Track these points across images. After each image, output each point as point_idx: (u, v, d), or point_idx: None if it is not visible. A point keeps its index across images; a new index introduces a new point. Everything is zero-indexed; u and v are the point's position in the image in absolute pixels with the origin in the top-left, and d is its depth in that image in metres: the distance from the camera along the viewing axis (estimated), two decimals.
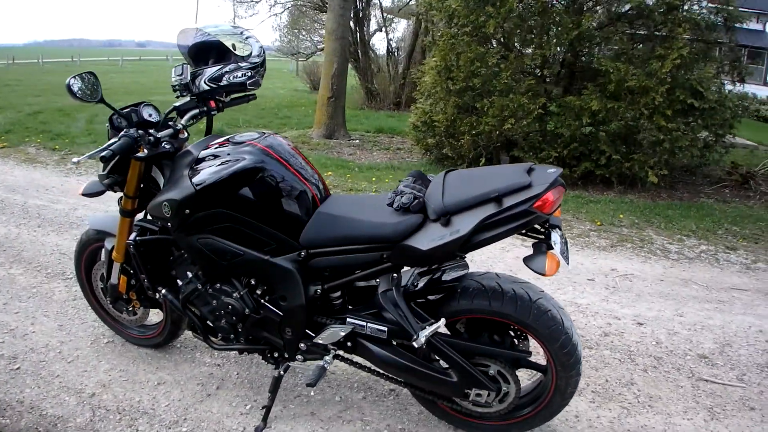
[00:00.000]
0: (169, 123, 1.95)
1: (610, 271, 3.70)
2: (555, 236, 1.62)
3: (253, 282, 1.86)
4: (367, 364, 1.92)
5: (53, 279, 3.17)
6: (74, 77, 1.78)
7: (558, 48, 5.87)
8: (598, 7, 5.85)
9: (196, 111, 1.96)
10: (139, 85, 16.94)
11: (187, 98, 1.96)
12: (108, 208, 4.45)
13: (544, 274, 1.53)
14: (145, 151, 1.83)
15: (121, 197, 2.08)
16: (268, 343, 1.95)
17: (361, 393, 2.23)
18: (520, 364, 1.85)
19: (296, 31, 17.72)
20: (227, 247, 1.78)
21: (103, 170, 1.96)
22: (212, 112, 2.00)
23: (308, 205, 1.77)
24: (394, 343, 1.79)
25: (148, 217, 2.10)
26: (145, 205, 2.07)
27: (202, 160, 1.80)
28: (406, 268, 1.83)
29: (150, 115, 2.00)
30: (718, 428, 2.14)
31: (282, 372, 1.97)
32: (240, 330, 1.92)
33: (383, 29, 15.03)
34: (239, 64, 1.92)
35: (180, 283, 1.96)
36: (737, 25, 5.79)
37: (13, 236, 3.79)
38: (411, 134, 7.28)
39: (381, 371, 1.91)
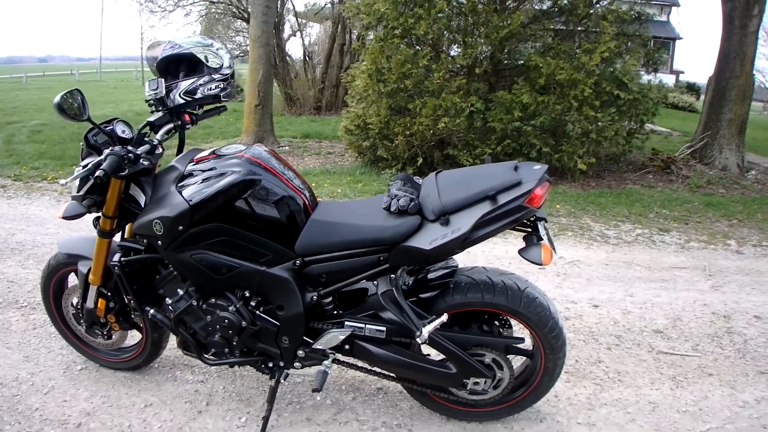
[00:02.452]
0: (145, 139, 1.90)
1: (557, 258, 3.93)
2: (541, 228, 1.74)
3: (247, 294, 1.84)
4: (358, 364, 1.97)
5: (6, 309, 2.94)
6: (63, 95, 1.69)
7: (487, 47, 6.10)
8: (523, 6, 6.13)
9: (171, 126, 1.92)
10: (48, 102, 15.73)
11: (160, 113, 1.92)
12: (33, 230, 4.19)
13: (540, 264, 1.65)
14: (126, 169, 1.77)
15: (98, 218, 2.00)
16: (263, 353, 1.93)
17: (350, 394, 2.26)
18: (509, 351, 1.95)
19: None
20: (222, 261, 1.75)
21: (79, 191, 1.86)
22: (186, 126, 1.97)
23: (301, 213, 1.78)
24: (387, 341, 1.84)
25: (125, 237, 2.04)
26: (122, 225, 2.00)
27: (189, 175, 1.77)
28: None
29: (123, 132, 1.93)
30: (683, 395, 2.35)
31: (282, 380, 1.97)
32: (235, 343, 1.89)
33: (298, 34, 14.95)
34: (212, 76, 1.90)
35: (169, 301, 1.91)
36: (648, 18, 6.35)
37: None
38: (344, 138, 7.32)
39: (379, 370, 1.96)
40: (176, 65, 1.91)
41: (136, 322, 2.24)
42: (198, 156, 1.86)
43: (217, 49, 1.94)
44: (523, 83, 5.92)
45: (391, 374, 1.98)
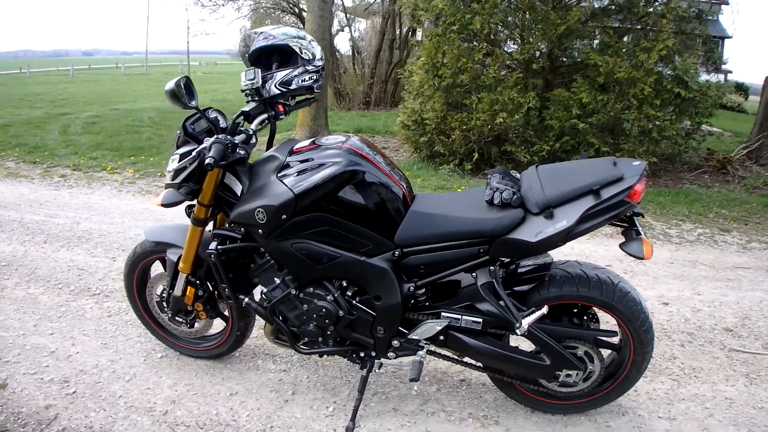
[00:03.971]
0: (240, 129, 1.93)
1: (623, 256, 3.86)
2: (638, 223, 1.73)
3: (344, 284, 1.88)
4: (448, 354, 1.99)
5: (79, 296, 3.06)
6: (176, 81, 1.73)
7: (544, 43, 6.05)
8: (581, 3, 6.05)
9: (265, 116, 1.94)
10: (97, 94, 16.30)
11: (254, 103, 1.94)
12: (55, 215, 4.32)
13: (642, 258, 1.64)
14: (228, 157, 1.81)
15: (190, 206, 2.05)
16: (355, 343, 1.97)
17: (434, 386, 2.28)
18: (598, 344, 1.94)
19: None
20: (323, 251, 1.79)
21: (174, 179, 1.92)
22: (279, 117, 1.99)
23: (401, 204, 1.81)
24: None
25: (217, 225, 2.09)
26: (214, 213, 2.05)
27: (291, 164, 1.80)
28: None
29: (217, 120, 1.98)
30: (758, 392, 2.33)
31: (377, 369, 2.00)
32: (329, 333, 1.93)
33: (346, 29, 15.02)
34: (306, 67, 1.92)
35: (264, 289, 1.95)
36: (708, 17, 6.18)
37: (21, 254, 3.62)
38: (401, 133, 7.35)
39: (469, 361, 1.97)
40: (268, 56, 1.93)
41: (222, 310, 2.30)
42: (297, 146, 1.89)
43: (310, 41, 1.96)
44: (581, 81, 5.85)
45: (483, 365, 1.99)
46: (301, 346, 2.03)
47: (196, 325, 2.35)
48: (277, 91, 1.91)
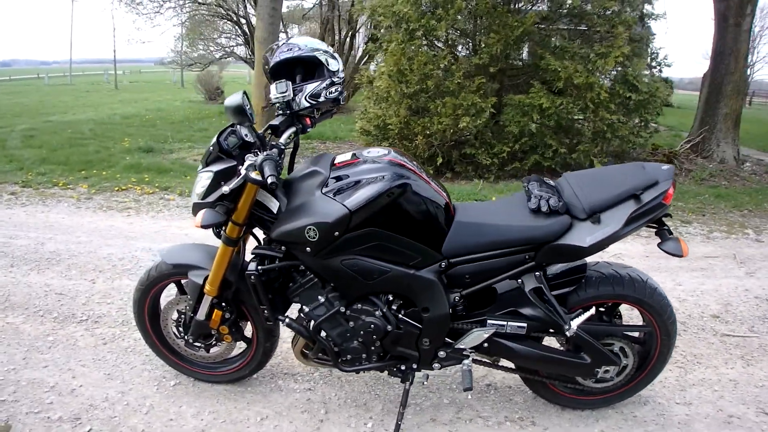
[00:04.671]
0: (272, 143, 1.87)
1: (607, 252, 4.06)
2: (668, 223, 1.84)
3: (391, 298, 1.86)
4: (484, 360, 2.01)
5: (66, 324, 2.84)
6: (239, 97, 1.69)
7: (501, 47, 6.22)
8: (538, 7, 6.27)
9: (293, 129, 1.88)
10: (23, 107, 15.13)
11: (283, 116, 1.89)
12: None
13: (681, 255, 1.74)
14: None
15: (218, 226, 1.96)
16: (398, 357, 1.95)
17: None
18: (629, 339, 2.03)
19: (195, 40, 16.76)
20: (374, 266, 1.76)
21: (205, 197, 1.82)
22: (306, 130, 1.95)
23: (446, 215, 1.81)
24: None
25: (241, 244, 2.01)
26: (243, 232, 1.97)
27: (336, 179, 1.76)
28: None
29: (246, 136, 1.90)
30: (756, 371, 2.53)
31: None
32: (373, 348, 1.90)
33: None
34: (332, 79, 1.89)
35: (307, 308, 1.89)
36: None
37: None
38: (362, 139, 7.34)
39: (508, 365, 2.01)
40: (289, 68, 1.88)
41: (244, 332, 2.21)
42: (338, 160, 1.84)
43: (333, 53, 1.93)
44: (539, 87, 6.06)
45: (519, 368, 2.02)
46: (345, 364, 1.98)
47: (215, 349, 2.25)
48: (307, 104, 1.86)
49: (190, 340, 2.18)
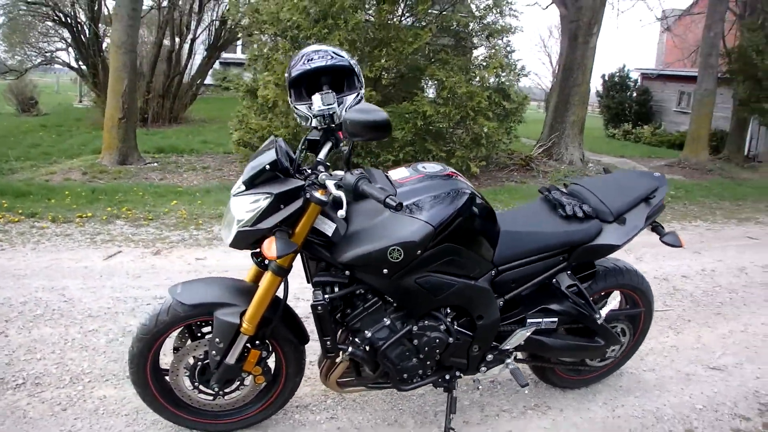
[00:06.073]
0: (317, 161, 1.75)
1: None
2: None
3: (449, 310, 1.88)
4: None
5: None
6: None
7: (394, 62, 6.51)
8: (431, 25, 6.66)
9: (330, 144, 1.79)
10: None
11: (319, 131, 1.80)
12: None
13: (681, 246, 2.09)
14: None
15: (255, 254, 1.79)
16: (447, 367, 1.98)
17: (474, 393, 2.39)
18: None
19: (14, 45, 14.16)
20: (444, 281, 1.77)
21: (257, 223, 1.64)
22: (339, 144, 1.85)
23: (497, 225, 1.90)
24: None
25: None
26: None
27: (406, 197, 1.70)
28: None
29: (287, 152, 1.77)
30: (686, 337, 3.05)
31: (479, 386, 2.04)
32: (428, 363, 1.89)
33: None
34: (360, 91, 1.85)
35: (369, 333, 1.79)
36: None
37: None
38: (241, 152, 7.04)
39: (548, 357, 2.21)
40: (314, 79, 1.79)
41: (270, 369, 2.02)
42: (398, 177, 1.79)
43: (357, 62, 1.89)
44: (421, 95, 6.43)
45: (531, 357, 2.23)
46: (401, 384, 1.93)
47: (237, 393, 2.02)
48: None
49: (216, 388, 1.92)
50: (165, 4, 11.70)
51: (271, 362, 2.02)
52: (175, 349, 1.96)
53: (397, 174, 1.82)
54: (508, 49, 7.20)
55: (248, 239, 1.68)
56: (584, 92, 8.33)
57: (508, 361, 2.02)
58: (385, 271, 1.69)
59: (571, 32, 8.17)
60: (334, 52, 1.77)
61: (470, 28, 6.98)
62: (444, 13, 6.89)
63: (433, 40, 6.83)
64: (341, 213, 1.54)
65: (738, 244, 5.06)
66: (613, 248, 1.98)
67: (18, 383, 2.33)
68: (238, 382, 1.98)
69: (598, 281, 2.16)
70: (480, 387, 2.43)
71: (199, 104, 13.54)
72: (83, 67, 12.12)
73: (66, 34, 12.16)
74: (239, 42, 15.15)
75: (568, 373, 2.37)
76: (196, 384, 1.95)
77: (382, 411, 2.25)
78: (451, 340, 1.87)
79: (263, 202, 1.63)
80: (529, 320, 2.00)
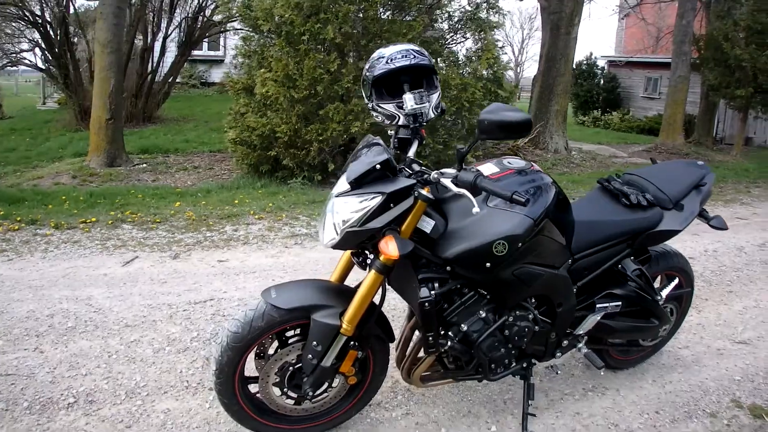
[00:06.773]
0: (409, 159, 1.80)
1: None
2: None
3: (534, 299, 1.94)
4: None
5: (50, 413, 2.15)
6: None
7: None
8: (423, 17, 6.68)
9: (417, 143, 1.83)
10: None
11: (407, 129, 1.83)
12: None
13: (726, 229, 2.22)
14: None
15: (356, 253, 1.83)
16: (528, 355, 2.04)
17: (535, 380, 2.45)
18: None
19: None
20: (536, 271, 1.82)
21: (366, 222, 1.63)
22: (422, 141, 1.89)
23: (573, 215, 1.96)
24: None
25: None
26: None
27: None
28: None
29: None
30: (708, 315, 3.21)
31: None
32: (514, 352, 1.94)
33: (82, 40, 12.81)
34: (439, 89, 1.89)
35: (465, 326, 1.82)
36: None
37: None
38: (238, 149, 6.93)
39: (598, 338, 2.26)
40: (392, 78, 1.80)
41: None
42: (489, 172, 1.80)
43: None
44: None
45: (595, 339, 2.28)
46: (491, 374, 1.96)
47: (324, 395, 2.00)
48: (433, 115, 1.84)
49: (310, 393, 1.89)
50: (134, 1, 11.33)
51: None
52: (258, 356, 1.94)
53: (487, 170, 1.84)
54: (499, 43, 7.31)
55: (356, 239, 1.68)
56: (567, 82, 8.55)
57: (580, 345, 2.11)
58: (488, 264, 1.71)
59: (552, 23, 8.35)
60: (416, 52, 1.79)
61: (459, 21, 7.04)
62: (432, 6, 6.94)
63: (424, 34, 6.87)
64: (475, 210, 1.56)
65: (730, 224, 5.30)
66: (674, 233, 2.10)
67: (69, 402, 2.25)
68: (327, 384, 1.96)
69: (653, 265, 2.27)
70: (535, 374, 2.51)
71: (169, 102, 13.20)
72: (51, 68, 11.59)
73: (34, 35, 11.61)
74: (205, 39, 14.82)
75: (620, 353, 2.48)
76: (285, 390, 1.93)
77: (453, 404, 2.30)
78: (537, 328, 1.93)
79: (372, 202, 1.63)
80: (597, 305, 2.08)
